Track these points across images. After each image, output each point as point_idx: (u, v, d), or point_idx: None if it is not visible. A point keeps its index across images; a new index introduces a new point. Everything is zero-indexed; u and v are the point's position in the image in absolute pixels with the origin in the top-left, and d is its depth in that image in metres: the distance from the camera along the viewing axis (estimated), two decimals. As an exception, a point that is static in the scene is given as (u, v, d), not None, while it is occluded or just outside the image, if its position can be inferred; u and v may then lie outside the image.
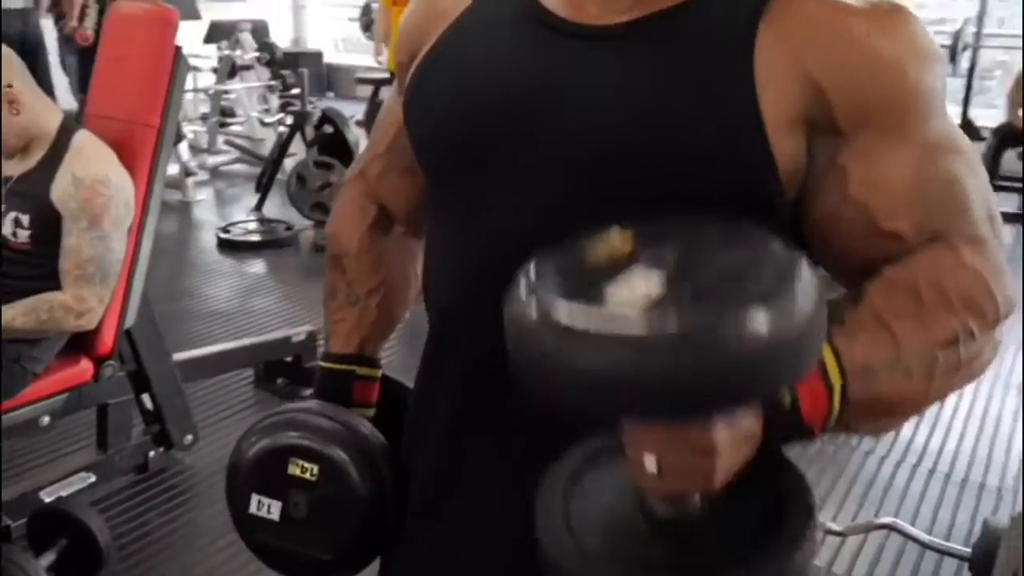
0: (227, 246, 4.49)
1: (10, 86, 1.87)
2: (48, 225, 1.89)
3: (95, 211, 1.90)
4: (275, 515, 0.82)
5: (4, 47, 1.89)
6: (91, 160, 1.93)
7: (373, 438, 0.84)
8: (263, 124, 6.05)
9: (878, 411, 0.64)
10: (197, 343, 2.99)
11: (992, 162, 5.22)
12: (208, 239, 4.64)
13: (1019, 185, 5.32)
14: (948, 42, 6.06)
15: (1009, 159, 5.26)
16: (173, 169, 5.03)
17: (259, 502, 0.82)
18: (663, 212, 0.58)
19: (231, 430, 2.64)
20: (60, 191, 1.88)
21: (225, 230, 4.61)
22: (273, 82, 5.88)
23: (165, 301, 3.61)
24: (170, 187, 5.07)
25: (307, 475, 0.81)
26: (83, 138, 1.97)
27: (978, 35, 5.91)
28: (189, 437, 2.56)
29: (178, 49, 2.14)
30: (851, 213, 0.68)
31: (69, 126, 1.98)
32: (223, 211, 5.27)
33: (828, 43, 0.66)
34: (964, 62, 6.07)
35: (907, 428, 2.90)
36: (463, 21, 0.79)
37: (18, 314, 1.87)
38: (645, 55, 0.69)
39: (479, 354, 0.74)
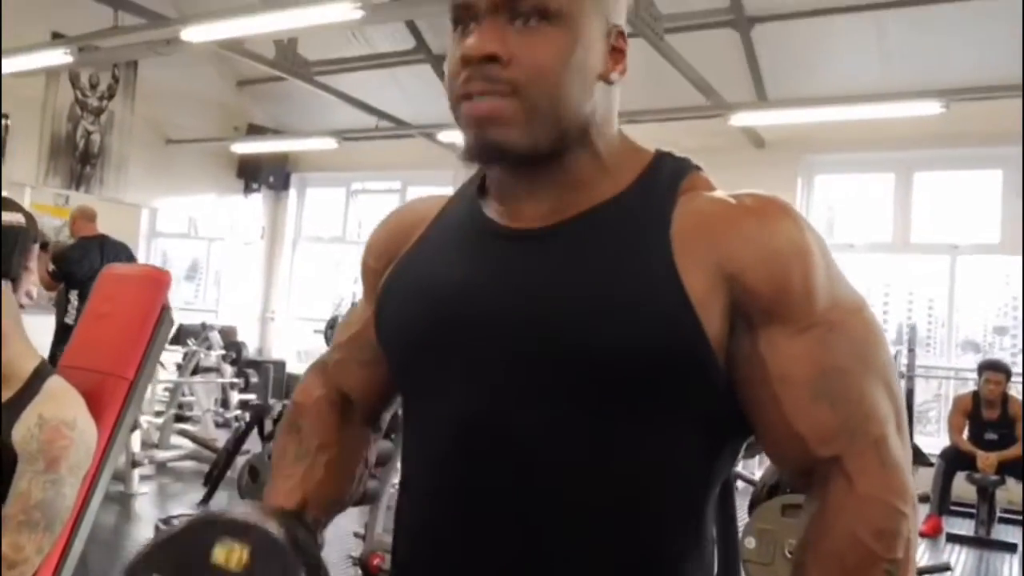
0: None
1: (-5, 324, 1.89)
2: (2, 468, 1.81)
3: (55, 453, 1.83)
4: None
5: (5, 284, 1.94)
6: (60, 403, 1.90)
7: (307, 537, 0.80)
8: (217, 425, 6.03)
9: None
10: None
11: (943, 489, 5.31)
12: (147, 533, 4.39)
13: (972, 511, 5.37)
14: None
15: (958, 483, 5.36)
16: (120, 460, 4.89)
17: None
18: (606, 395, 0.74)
19: None
20: (23, 431, 1.83)
21: (166, 522, 4.38)
22: (236, 380, 5.94)
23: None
24: (113, 478, 4.90)
25: (233, 559, 0.68)
26: (55, 383, 1.95)
27: (910, 366, 6.28)
28: None
29: (164, 307, 2.21)
30: (769, 403, 0.77)
31: (44, 371, 1.97)
32: (165, 505, 5.04)
33: (729, 242, 0.77)
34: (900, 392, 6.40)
35: None
36: (425, 236, 0.90)
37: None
38: (574, 250, 0.79)
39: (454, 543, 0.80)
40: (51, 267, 5.25)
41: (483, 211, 0.86)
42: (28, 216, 4.83)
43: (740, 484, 4.89)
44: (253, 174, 9.59)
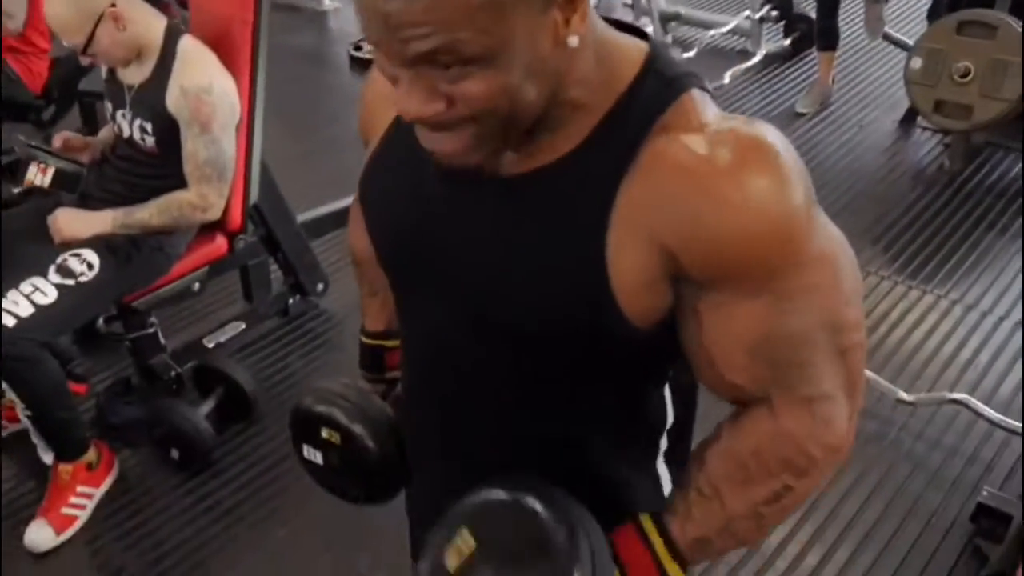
0: (360, 65, 4.47)
1: (113, 5, 2.01)
2: (168, 131, 2.10)
3: (203, 119, 2.08)
4: (319, 461, 1.06)
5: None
6: (195, 69, 2.08)
7: (382, 416, 1.03)
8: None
9: (714, 556, 0.83)
10: (339, 180, 3.13)
11: None
12: (343, 55, 4.63)
13: None
14: None
15: None
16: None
17: (307, 450, 1.07)
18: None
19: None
20: (172, 101, 2.07)
21: (357, 47, 4.53)
22: None
23: (302, 139, 3.83)
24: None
25: (333, 439, 1.03)
26: (186, 45, 2.11)
27: None
28: (320, 285, 2.89)
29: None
30: (703, 361, 0.78)
31: (174, 32, 2.12)
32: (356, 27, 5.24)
33: (679, 215, 0.70)
34: None
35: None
36: (388, 137, 0.88)
37: (154, 213, 2.15)
38: (519, 209, 0.77)
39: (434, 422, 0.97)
40: None
41: None
42: None
43: None
44: None
